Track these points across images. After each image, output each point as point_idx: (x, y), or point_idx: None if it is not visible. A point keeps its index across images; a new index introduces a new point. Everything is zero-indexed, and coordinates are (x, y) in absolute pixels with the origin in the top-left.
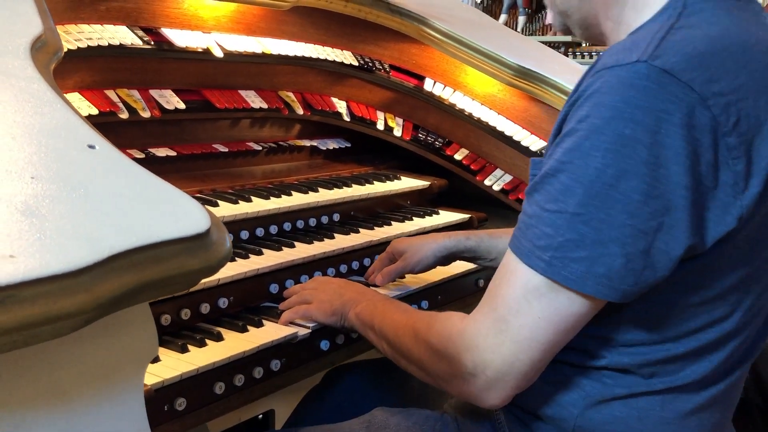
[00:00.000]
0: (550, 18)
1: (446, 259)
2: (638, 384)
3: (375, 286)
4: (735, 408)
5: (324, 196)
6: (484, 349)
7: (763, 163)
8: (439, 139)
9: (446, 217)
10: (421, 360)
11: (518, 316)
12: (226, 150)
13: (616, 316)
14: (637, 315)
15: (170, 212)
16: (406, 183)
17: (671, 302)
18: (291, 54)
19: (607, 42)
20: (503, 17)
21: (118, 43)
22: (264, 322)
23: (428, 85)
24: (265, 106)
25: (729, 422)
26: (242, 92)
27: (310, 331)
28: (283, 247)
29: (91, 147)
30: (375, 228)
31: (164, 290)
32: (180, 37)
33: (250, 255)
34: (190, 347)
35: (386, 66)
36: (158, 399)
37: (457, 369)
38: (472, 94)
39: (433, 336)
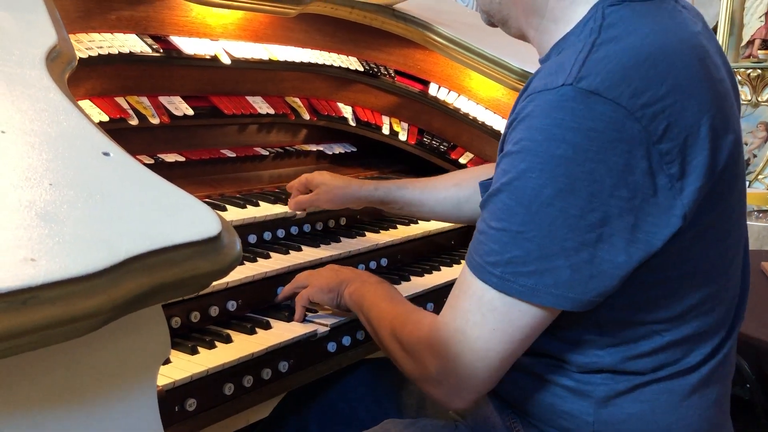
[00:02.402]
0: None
1: (355, 205)
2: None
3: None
4: (732, 384)
5: None
6: (446, 358)
7: (699, 158)
8: (444, 143)
9: None
10: (395, 356)
11: (474, 328)
12: (234, 155)
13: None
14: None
15: (183, 217)
16: None
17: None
18: (297, 60)
19: (533, 44)
20: None
21: (128, 51)
22: (272, 323)
23: (433, 89)
24: (272, 111)
25: (727, 400)
26: (249, 98)
27: (316, 332)
28: (290, 251)
29: (106, 154)
30: (380, 231)
31: (177, 292)
32: (188, 45)
33: (258, 258)
34: (199, 349)
35: (391, 71)
36: (169, 400)
37: (425, 373)
38: (477, 98)
39: (405, 336)
